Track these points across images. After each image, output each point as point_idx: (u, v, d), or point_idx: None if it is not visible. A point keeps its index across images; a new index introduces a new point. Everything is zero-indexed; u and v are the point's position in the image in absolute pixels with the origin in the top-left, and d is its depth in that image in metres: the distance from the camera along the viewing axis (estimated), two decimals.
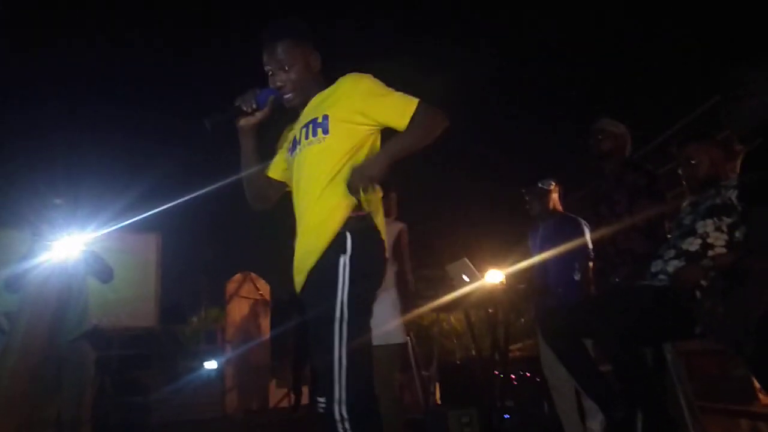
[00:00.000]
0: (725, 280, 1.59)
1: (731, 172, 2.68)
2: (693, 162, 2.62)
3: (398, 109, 1.78)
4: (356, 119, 1.82)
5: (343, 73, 1.92)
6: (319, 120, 1.84)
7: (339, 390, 1.58)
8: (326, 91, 1.93)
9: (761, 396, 3.35)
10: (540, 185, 3.82)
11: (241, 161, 2.04)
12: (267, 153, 2.14)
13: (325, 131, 1.82)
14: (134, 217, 4.92)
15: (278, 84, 1.95)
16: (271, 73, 1.95)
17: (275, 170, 2.11)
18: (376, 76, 1.88)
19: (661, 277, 2.52)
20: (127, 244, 6.87)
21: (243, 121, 1.95)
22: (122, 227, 4.53)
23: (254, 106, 1.91)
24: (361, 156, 1.83)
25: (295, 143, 1.94)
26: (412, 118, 1.76)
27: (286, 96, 1.95)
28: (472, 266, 3.75)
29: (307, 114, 1.95)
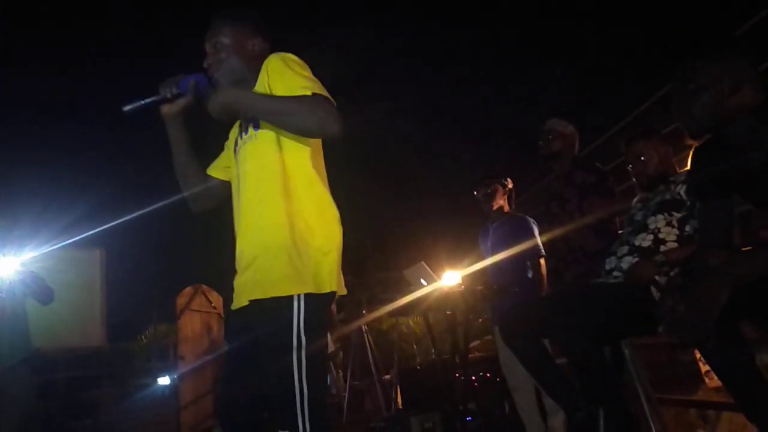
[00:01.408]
0: (683, 277, 1.60)
1: (679, 167, 2.75)
2: (642, 159, 2.66)
3: (290, 87, 1.62)
4: None
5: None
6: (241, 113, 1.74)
7: (302, 422, 1.48)
8: (258, 81, 1.78)
9: (707, 380, 3.44)
10: (492, 183, 3.85)
11: (172, 155, 1.93)
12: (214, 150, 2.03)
13: (256, 126, 1.73)
14: (77, 234, 4.70)
15: (206, 64, 1.86)
16: (206, 53, 1.87)
17: (216, 168, 2.00)
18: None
19: (616, 273, 2.55)
20: (70, 262, 6.58)
21: (166, 108, 1.86)
22: (64, 244, 4.32)
23: (175, 91, 1.82)
24: (303, 160, 1.70)
25: (236, 141, 1.85)
26: (298, 98, 1.60)
27: (213, 77, 1.83)
28: (429, 270, 3.72)
29: None
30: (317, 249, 1.63)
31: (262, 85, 1.72)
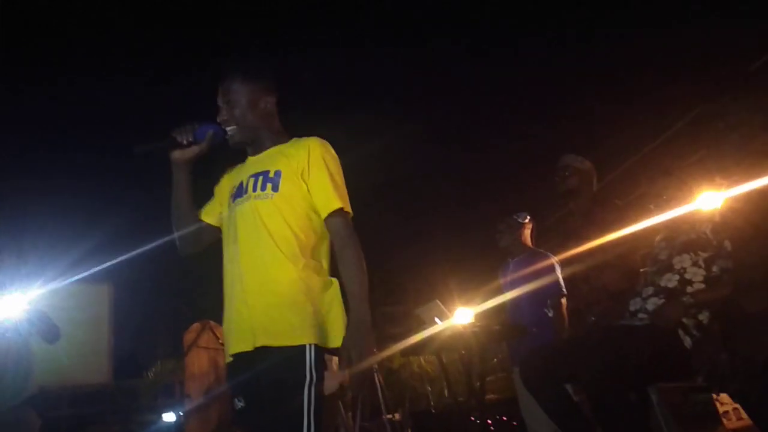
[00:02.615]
0: (719, 322, 1.52)
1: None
2: (664, 198, 2.59)
3: (326, 194, 1.80)
4: (302, 185, 1.82)
5: (308, 129, 1.91)
6: (271, 174, 1.82)
7: None
8: (286, 146, 1.89)
9: (725, 420, 3.31)
10: (515, 217, 3.78)
11: (172, 198, 1.94)
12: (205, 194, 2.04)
13: (275, 188, 1.80)
14: (85, 270, 4.65)
15: (221, 119, 1.90)
16: (219, 107, 1.92)
17: (210, 214, 2.01)
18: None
19: (641, 315, 2.46)
20: (77, 297, 6.50)
21: (177, 153, 1.86)
22: (72, 280, 4.26)
23: (190, 138, 1.84)
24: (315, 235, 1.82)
25: (240, 190, 1.87)
26: (334, 220, 1.79)
27: (228, 132, 1.89)
28: (444, 308, 3.64)
29: (258, 162, 1.90)
30: (326, 305, 1.75)
31: (297, 162, 1.82)
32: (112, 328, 7.10)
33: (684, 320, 2.33)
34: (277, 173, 1.82)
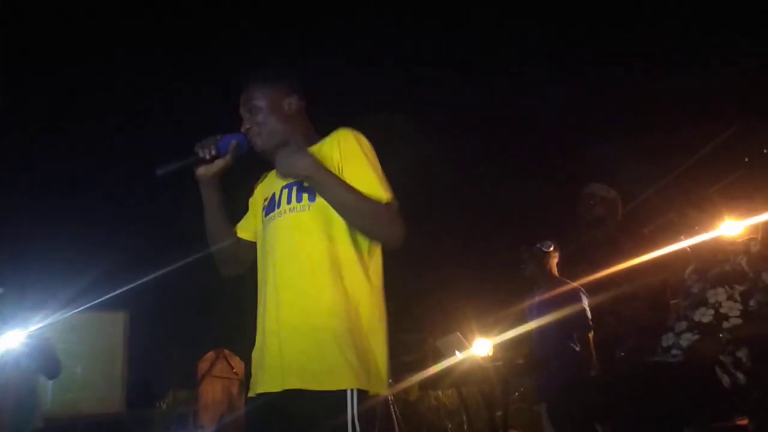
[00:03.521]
0: (761, 360, 1.41)
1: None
2: (696, 228, 2.50)
3: (370, 185, 1.57)
4: None
5: (334, 125, 1.74)
6: (305, 183, 1.63)
7: None
8: (317, 147, 1.71)
9: None
10: (539, 246, 3.68)
11: (204, 217, 1.80)
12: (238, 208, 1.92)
13: (312, 197, 1.62)
14: (99, 296, 4.60)
15: (244, 128, 1.77)
16: (242, 116, 1.79)
17: (246, 230, 1.86)
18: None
19: (675, 352, 2.35)
20: (92, 326, 6.47)
21: (202, 170, 1.72)
22: (82, 308, 4.22)
23: (213, 152, 1.70)
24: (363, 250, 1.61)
25: (273, 202, 1.72)
26: (377, 203, 1.56)
27: (253, 141, 1.75)
28: (464, 340, 3.54)
29: None
30: (372, 343, 1.54)
31: (330, 161, 1.64)
32: (127, 357, 7.03)
33: (721, 357, 2.22)
34: None
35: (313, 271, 1.57)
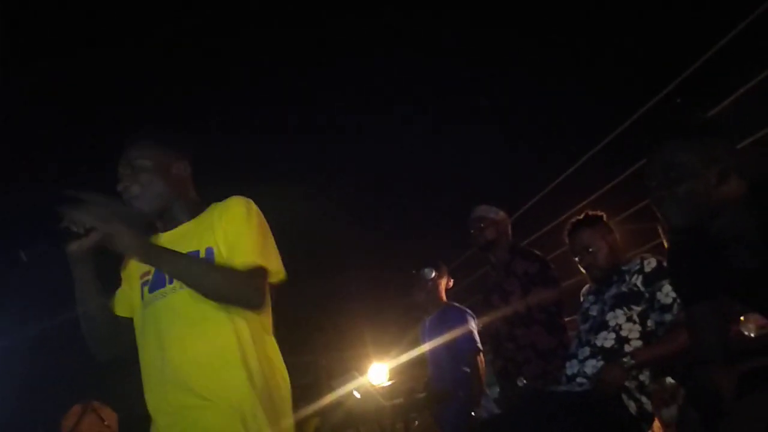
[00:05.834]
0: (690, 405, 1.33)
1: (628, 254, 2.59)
2: (591, 250, 2.46)
3: (241, 248, 1.53)
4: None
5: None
6: (202, 254, 1.55)
7: None
8: (206, 215, 1.64)
9: None
10: (422, 274, 3.55)
11: (76, 296, 1.58)
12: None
13: None
14: None
15: (121, 188, 1.61)
16: (120, 179, 1.62)
17: (123, 306, 1.68)
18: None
19: (580, 380, 2.28)
20: None
21: (75, 246, 1.47)
22: None
23: (87, 225, 1.44)
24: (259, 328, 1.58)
25: (161, 279, 1.57)
26: (229, 271, 1.51)
27: (130, 202, 1.59)
28: (361, 378, 3.33)
29: (177, 241, 1.60)
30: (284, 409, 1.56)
31: (208, 221, 1.60)
32: None
33: (626, 383, 2.17)
34: (209, 251, 1.55)
35: (218, 350, 1.52)
